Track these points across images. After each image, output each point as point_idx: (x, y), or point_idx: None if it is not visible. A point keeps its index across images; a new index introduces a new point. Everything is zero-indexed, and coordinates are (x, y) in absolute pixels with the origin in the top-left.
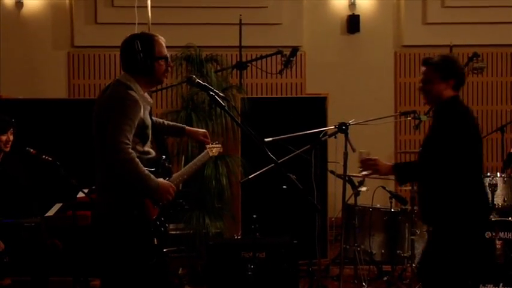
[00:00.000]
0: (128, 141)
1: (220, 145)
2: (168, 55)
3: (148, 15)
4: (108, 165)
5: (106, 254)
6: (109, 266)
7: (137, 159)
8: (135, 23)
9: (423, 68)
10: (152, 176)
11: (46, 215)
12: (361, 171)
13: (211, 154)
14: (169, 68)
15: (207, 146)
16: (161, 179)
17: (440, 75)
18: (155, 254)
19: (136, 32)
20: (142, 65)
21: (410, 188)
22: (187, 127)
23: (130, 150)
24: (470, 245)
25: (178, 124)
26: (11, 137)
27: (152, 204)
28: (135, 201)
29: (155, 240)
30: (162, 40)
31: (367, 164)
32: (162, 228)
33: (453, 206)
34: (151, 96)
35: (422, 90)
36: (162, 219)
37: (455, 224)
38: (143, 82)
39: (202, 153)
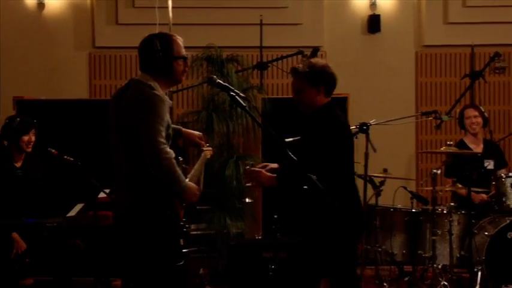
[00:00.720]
0: (164, 141)
1: (211, 148)
2: (186, 55)
3: (169, 16)
4: (146, 165)
5: (136, 254)
6: (139, 266)
7: (174, 160)
8: (156, 24)
9: (292, 79)
10: (183, 176)
11: (68, 215)
12: (245, 182)
13: (207, 156)
14: (186, 68)
15: (203, 149)
16: (188, 180)
17: (309, 83)
18: (183, 255)
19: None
20: (162, 64)
21: (431, 188)
22: (183, 129)
23: (168, 150)
24: (342, 251)
25: (175, 125)
26: (33, 138)
27: (180, 205)
28: (168, 201)
29: (181, 241)
30: (180, 40)
31: (250, 175)
32: (185, 229)
33: (323, 213)
34: (171, 97)
35: (296, 100)
36: (185, 219)
37: (324, 231)
38: (162, 82)
39: (201, 157)
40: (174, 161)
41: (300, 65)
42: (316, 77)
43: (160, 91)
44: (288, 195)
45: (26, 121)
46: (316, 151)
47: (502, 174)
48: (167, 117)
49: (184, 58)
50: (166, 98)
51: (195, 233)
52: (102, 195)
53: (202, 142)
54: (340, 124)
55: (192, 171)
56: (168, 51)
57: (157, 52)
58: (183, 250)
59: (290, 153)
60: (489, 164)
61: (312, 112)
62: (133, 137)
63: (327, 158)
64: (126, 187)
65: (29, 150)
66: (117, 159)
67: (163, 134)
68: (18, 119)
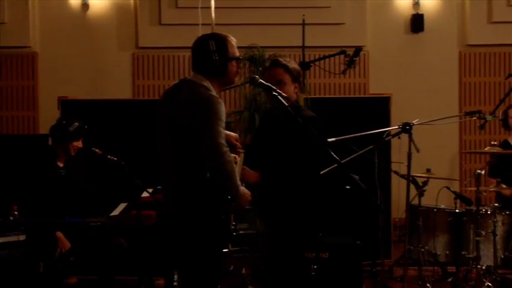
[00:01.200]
0: (226, 144)
1: (243, 150)
2: (240, 56)
3: (211, 16)
4: (206, 167)
5: (184, 253)
6: (185, 266)
7: (234, 164)
8: (198, 24)
9: (275, 69)
10: (239, 182)
11: (111, 214)
12: None
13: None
14: (239, 69)
15: (239, 151)
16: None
17: (292, 78)
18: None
19: (207, 33)
20: (217, 65)
21: (475, 188)
22: None
23: (230, 153)
24: None
25: None
26: (81, 144)
27: (231, 210)
28: (222, 205)
29: (230, 246)
30: (234, 41)
31: None
32: (235, 233)
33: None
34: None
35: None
36: (235, 223)
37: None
38: (215, 83)
39: (239, 158)
40: (234, 165)
41: (283, 59)
42: (298, 75)
43: (214, 92)
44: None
45: (81, 127)
46: (304, 144)
47: None
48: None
49: (238, 59)
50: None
51: (238, 232)
52: (145, 194)
53: (238, 144)
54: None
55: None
56: (223, 52)
57: (213, 53)
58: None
59: (332, 153)
60: None
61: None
62: (190, 138)
63: (312, 150)
64: (178, 187)
65: (73, 154)
66: (167, 159)
67: (224, 136)
68: (76, 124)
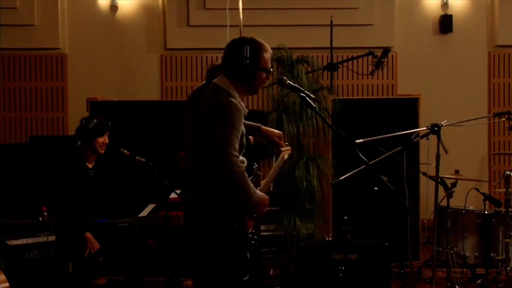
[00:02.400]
0: (237, 153)
1: (290, 147)
2: (271, 69)
3: (239, 17)
4: (217, 176)
5: (201, 264)
6: (203, 277)
7: (246, 173)
8: (226, 25)
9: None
10: (255, 189)
11: (139, 215)
12: None
13: (286, 157)
14: (266, 81)
15: (282, 149)
16: (258, 191)
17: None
18: (248, 269)
19: (246, 36)
20: (246, 72)
21: (504, 190)
22: (263, 127)
23: (239, 163)
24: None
25: (254, 123)
26: (107, 140)
27: (248, 217)
28: (236, 214)
29: (248, 254)
30: (269, 52)
31: None
32: (253, 242)
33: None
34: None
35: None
36: (254, 231)
37: None
38: (240, 89)
39: (280, 157)
40: (245, 174)
41: None
42: None
43: (237, 98)
44: None
45: (102, 123)
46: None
47: None
48: (242, 127)
49: (268, 71)
50: (243, 105)
51: (265, 234)
52: (173, 195)
53: (282, 142)
54: None
55: (269, 174)
56: (256, 60)
57: (245, 59)
58: (253, 263)
59: (360, 154)
60: None
61: None
62: (205, 144)
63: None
64: (195, 194)
65: (102, 151)
66: (189, 164)
67: (237, 145)
68: (95, 120)
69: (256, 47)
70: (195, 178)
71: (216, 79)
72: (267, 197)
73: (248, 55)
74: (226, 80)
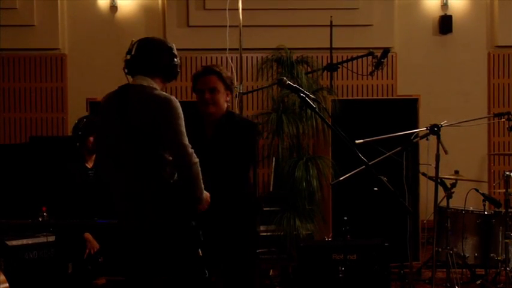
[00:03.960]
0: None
1: None
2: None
3: (239, 18)
4: (179, 170)
5: (158, 265)
6: (162, 280)
7: None
8: (226, 26)
9: (209, 77)
10: None
11: None
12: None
13: None
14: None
15: None
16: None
17: (225, 87)
18: (205, 266)
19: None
20: (173, 69)
21: (504, 190)
22: None
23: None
24: None
25: None
26: None
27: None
28: (192, 211)
29: (200, 252)
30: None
31: None
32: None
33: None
34: (241, 98)
35: (209, 98)
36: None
37: None
38: (162, 87)
39: None
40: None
41: (216, 67)
42: (231, 83)
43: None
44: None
45: (92, 122)
46: (241, 150)
47: None
48: None
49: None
50: None
51: (264, 234)
52: None
53: None
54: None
55: None
56: (175, 57)
57: (173, 56)
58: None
59: (360, 155)
60: None
61: (220, 115)
62: (149, 144)
63: (249, 155)
64: (142, 197)
65: None
66: (126, 171)
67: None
68: (84, 119)
69: (172, 46)
70: (139, 183)
71: (134, 81)
72: (209, 194)
73: (175, 53)
74: (149, 79)
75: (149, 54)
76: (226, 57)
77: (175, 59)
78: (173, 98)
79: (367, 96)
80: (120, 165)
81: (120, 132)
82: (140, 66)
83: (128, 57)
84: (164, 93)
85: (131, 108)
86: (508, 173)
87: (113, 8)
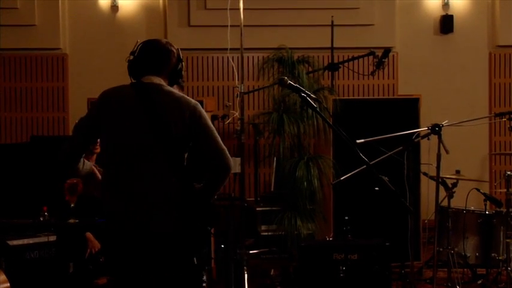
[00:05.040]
0: None
1: None
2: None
3: (240, 18)
4: (215, 172)
5: (162, 268)
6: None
7: None
8: (227, 25)
9: None
10: None
11: None
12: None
13: None
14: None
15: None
16: None
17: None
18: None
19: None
20: (180, 73)
21: (505, 190)
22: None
23: None
24: None
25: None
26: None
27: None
28: (212, 216)
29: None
30: None
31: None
32: None
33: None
34: (242, 98)
35: None
36: None
37: None
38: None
39: None
40: None
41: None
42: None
43: None
44: None
45: None
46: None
47: None
48: None
49: None
50: None
51: (265, 234)
52: None
53: None
54: None
55: None
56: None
57: (180, 61)
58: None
59: (361, 155)
60: None
61: None
62: (179, 145)
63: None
64: (167, 199)
65: (97, 151)
66: (151, 168)
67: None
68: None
69: (178, 49)
70: (166, 182)
71: (146, 79)
72: None
73: (181, 57)
74: (161, 79)
75: (157, 56)
76: (228, 57)
77: (181, 63)
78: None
79: (368, 96)
80: (138, 162)
81: (147, 129)
82: (149, 66)
83: (131, 57)
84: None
85: (159, 105)
86: (509, 172)
87: (114, 7)
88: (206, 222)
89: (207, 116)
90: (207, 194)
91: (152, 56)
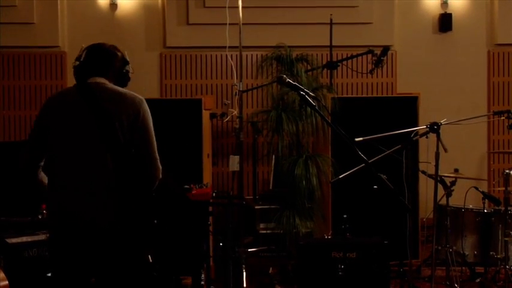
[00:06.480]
0: None
1: None
2: None
3: (239, 16)
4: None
5: (112, 264)
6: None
7: None
8: (226, 24)
9: None
10: None
11: None
12: None
13: None
14: None
15: None
16: None
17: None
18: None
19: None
20: (127, 76)
21: (504, 188)
22: None
23: None
24: None
25: None
26: None
27: None
28: (155, 210)
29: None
30: None
31: None
32: None
33: None
34: (241, 96)
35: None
36: None
37: None
38: None
39: None
40: None
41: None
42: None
43: None
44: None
45: None
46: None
47: None
48: None
49: None
50: None
51: (264, 232)
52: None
53: None
54: None
55: None
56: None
57: (126, 62)
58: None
59: (360, 153)
60: None
61: None
62: (126, 138)
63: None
64: (109, 195)
65: None
66: (94, 164)
67: None
68: None
69: (123, 52)
70: (109, 177)
71: (95, 79)
72: None
73: (126, 59)
74: (106, 80)
75: (101, 58)
76: (226, 55)
77: (127, 66)
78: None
79: (367, 94)
80: (82, 158)
81: (92, 125)
82: (93, 69)
83: (77, 63)
84: (131, 92)
85: (102, 100)
86: (507, 171)
87: (113, 5)
88: (150, 216)
89: (150, 117)
90: (139, 197)
91: (96, 58)
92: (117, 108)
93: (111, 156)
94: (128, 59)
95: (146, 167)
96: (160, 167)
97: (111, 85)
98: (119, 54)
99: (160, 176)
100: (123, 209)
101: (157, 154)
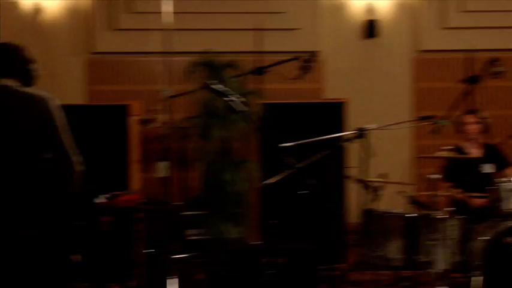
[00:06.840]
0: None
1: None
2: None
3: (168, 21)
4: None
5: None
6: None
7: None
8: (156, 29)
9: None
10: None
11: None
12: None
13: None
14: None
15: None
16: None
17: None
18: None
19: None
20: (33, 74)
21: (430, 193)
22: None
23: None
24: None
25: None
26: None
27: None
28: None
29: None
30: None
31: None
32: None
33: None
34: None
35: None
36: None
37: None
38: None
39: None
40: None
41: None
42: None
43: None
44: None
45: None
46: None
47: (502, 179)
48: None
49: None
50: None
51: (193, 238)
52: (100, 200)
53: None
54: None
55: None
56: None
57: (28, 60)
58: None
59: (287, 158)
60: (486, 168)
61: None
62: (36, 145)
63: None
64: (17, 204)
65: None
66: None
67: None
68: None
69: (24, 49)
70: (20, 186)
71: (2, 83)
72: None
73: (29, 57)
74: (10, 80)
75: (3, 58)
76: (155, 61)
77: (30, 63)
78: (52, 95)
79: (297, 100)
80: None
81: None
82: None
83: None
84: (39, 91)
85: (4, 105)
86: (432, 175)
87: (37, 9)
88: (61, 224)
89: (60, 114)
90: (56, 198)
91: None
92: (21, 110)
93: (20, 162)
94: (33, 58)
95: (60, 163)
96: (79, 160)
97: (15, 87)
98: (20, 52)
99: (79, 168)
100: (39, 215)
101: (73, 149)
